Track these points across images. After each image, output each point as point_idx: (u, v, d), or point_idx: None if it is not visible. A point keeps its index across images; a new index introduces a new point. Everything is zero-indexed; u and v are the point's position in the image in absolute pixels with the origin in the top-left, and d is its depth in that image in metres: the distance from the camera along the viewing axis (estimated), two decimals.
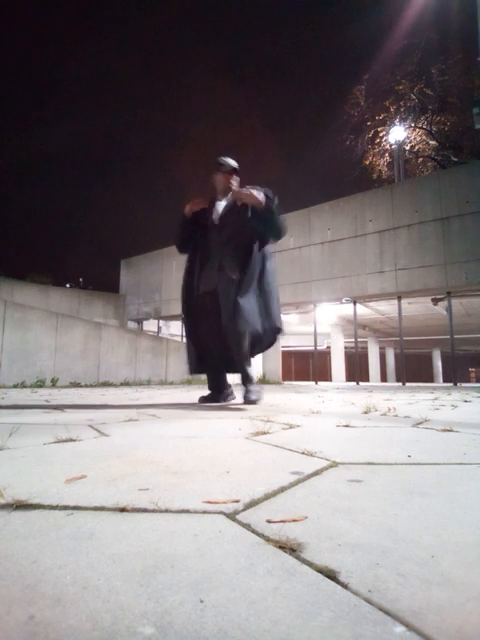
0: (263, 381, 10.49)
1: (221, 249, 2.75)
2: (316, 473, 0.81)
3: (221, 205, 2.89)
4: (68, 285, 20.78)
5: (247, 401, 2.65)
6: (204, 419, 1.80)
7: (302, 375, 23.15)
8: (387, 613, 0.35)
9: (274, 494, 0.67)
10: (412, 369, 20.65)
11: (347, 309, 11.69)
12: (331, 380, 15.16)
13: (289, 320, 14.52)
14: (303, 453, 1.00)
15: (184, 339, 3.05)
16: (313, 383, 12.25)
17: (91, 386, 6.83)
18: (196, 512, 0.58)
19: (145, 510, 0.59)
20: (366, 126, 17.76)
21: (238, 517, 0.57)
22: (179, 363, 8.79)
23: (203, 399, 2.86)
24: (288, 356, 21.09)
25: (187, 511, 0.59)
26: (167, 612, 0.34)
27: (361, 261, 10.24)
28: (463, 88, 15.63)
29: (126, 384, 7.67)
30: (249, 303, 2.56)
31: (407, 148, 17.53)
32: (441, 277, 9.14)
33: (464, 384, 12.15)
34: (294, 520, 0.55)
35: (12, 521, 0.55)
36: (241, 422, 1.66)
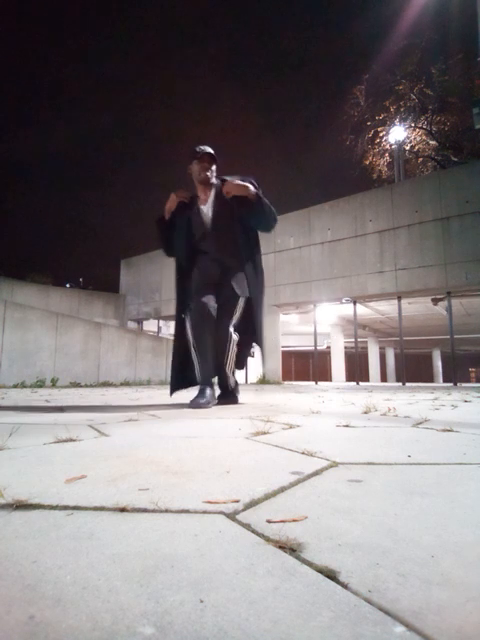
0: (263, 381, 10.50)
1: (213, 252, 2.67)
2: (316, 473, 0.81)
3: (207, 205, 2.70)
4: (68, 285, 20.78)
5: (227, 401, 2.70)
6: (204, 419, 1.80)
7: (302, 375, 23.16)
8: (387, 613, 0.35)
9: (274, 494, 0.67)
10: (412, 369, 20.66)
11: (347, 309, 11.69)
12: (331, 380, 15.16)
13: (289, 320, 14.53)
14: (303, 453, 1.00)
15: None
16: (313, 383, 12.25)
17: (91, 386, 6.83)
18: (196, 512, 0.58)
19: (145, 510, 0.59)
20: (366, 126, 17.77)
21: (238, 517, 0.57)
22: None
23: (196, 404, 2.43)
24: (288, 356, 21.08)
25: (187, 511, 0.59)
26: (167, 612, 0.34)
27: (361, 261, 10.24)
28: (463, 88, 15.62)
29: (126, 384, 7.67)
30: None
31: (407, 148, 17.53)
32: (441, 277, 9.14)
33: (464, 384, 12.15)
34: (294, 520, 0.55)
35: (12, 521, 0.55)
36: (241, 422, 1.66)
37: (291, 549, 0.46)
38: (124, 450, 1.04)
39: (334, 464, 0.89)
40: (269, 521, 0.55)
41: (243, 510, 0.59)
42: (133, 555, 0.45)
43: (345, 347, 16.24)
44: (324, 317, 13.49)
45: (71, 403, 2.79)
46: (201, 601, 0.36)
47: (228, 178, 2.64)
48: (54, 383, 6.54)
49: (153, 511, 0.59)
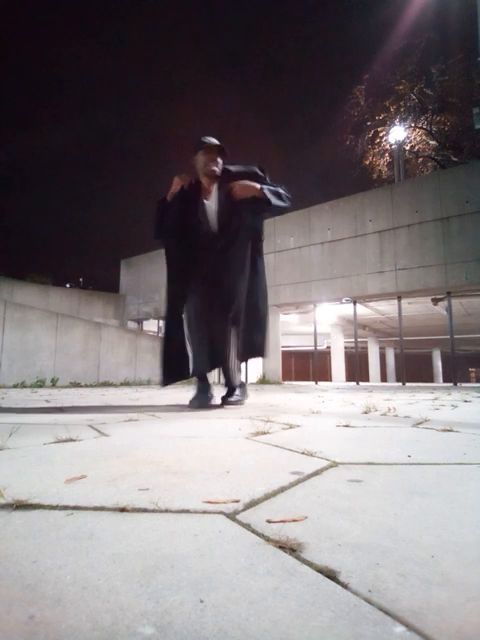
0: (263, 381, 10.50)
1: (216, 248, 2.56)
2: (316, 473, 0.81)
3: (211, 200, 2.56)
4: (68, 285, 20.78)
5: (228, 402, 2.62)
6: (204, 419, 1.80)
7: (302, 375, 23.15)
8: (387, 613, 0.35)
9: (274, 494, 0.67)
10: (412, 369, 20.63)
11: (347, 309, 11.69)
12: (331, 380, 15.16)
13: (289, 320, 14.53)
14: (303, 453, 1.00)
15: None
16: (313, 383, 12.25)
17: (91, 386, 6.83)
18: (196, 512, 0.58)
19: (145, 510, 0.59)
20: (366, 126, 17.77)
21: (238, 517, 0.57)
22: None
23: (196, 403, 2.47)
24: (288, 356, 21.09)
25: (187, 511, 0.59)
26: (167, 612, 0.34)
27: (361, 261, 10.24)
28: (463, 88, 15.62)
29: (126, 384, 7.67)
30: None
31: (407, 148, 17.53)
32: (441, 277, 9.14)
33: (464, 384, 12.15)
34: (294, 520, 0.55)
35: (12, 521, 0.55)
36: (241, 422, 1.66)
37: (291, 549, 0.46)
38: (124, 450, 1.04)
39: (334, 464, 0.89)
40: (269, 521, 0.55)
41: (243, 510, 0.59)
42: (133, 555, 0.45)
43: (345, 347, 16.23)
44: (324, 317, 13.49)
45: (71, 403, 2.79)
46: (201, 601, 0.36)
47: (231, 168, 2.54)
48: (54, 383, 6.54)
49: (153, 511, 0.59)
